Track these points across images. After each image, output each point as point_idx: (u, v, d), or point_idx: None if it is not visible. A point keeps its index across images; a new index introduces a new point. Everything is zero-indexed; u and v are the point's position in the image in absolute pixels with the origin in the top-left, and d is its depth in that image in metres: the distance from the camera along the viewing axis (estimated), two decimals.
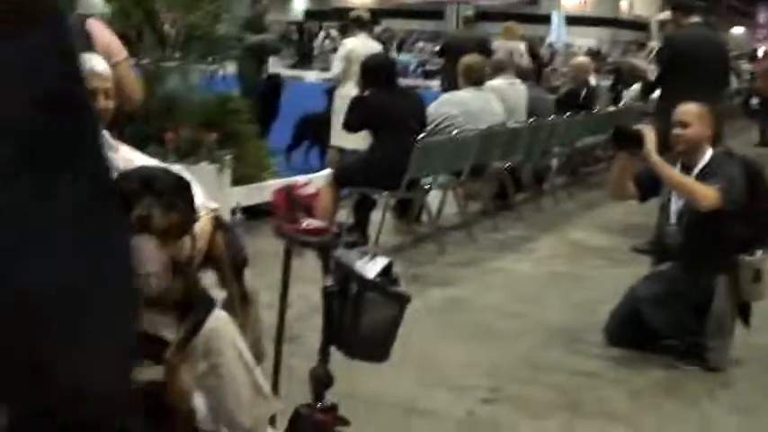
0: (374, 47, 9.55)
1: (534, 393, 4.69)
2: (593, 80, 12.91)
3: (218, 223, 3.53)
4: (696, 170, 5.10)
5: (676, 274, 5.17)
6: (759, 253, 5.15)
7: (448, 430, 4.23)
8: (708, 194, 4.88)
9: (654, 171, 5.09)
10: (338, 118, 9.43)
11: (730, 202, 4.93)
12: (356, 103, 7.33)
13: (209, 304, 3.17)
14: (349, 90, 9.44)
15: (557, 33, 31.85)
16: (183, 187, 3.19)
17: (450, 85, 11.01)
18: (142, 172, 3.18)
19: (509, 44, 12.69)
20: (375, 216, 7.69)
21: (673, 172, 5.03)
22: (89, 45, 4.24)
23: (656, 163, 5.02)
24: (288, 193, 4.00)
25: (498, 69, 10.05)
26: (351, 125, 7.37)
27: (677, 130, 5.19)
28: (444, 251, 7.56)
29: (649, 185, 5.37)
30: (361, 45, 9.65)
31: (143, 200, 2.99)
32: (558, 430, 4.28)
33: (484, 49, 11.06)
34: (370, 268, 3.42)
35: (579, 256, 7.78)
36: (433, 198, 8.24)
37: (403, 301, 3.38)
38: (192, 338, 3.09)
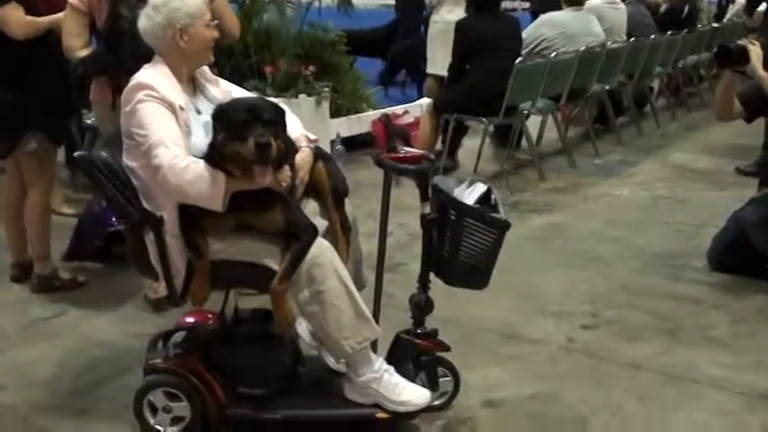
0: None
1: (633, 319, 4.68)
2: None
3: (318, 153, 3.58)
4: None
5: None
6: None
7: (547, 356, 4.26)
8: None
9: (761, 87, 4.95)
10: (434, 44, 9.40)
11: None
12: (456, 32, 7.27)
13: (312, 233, 3.24)
14: (443, 15, 9.37)
15: None
16: (283, 117, 3.26)
17: (538, 5, 10.84)
18: (247, 102, 3.25)
19: None
20: (473, 143, 7.68)
21: None
22: None
23: (762, 78, 4.89)
24: (386, 123, 4.06)
25: None
26: (455, 59, 7.31)
27: None
28: (544, 177, 7.53)
29: (756, 104, 5.23)
30: None
31: (256, 129, 3.06)
32: (657, 355, 4.26)
33: None
34: (469, 195, 3.45)
35: (681, 180, 7.66)
36: (533, 123, 8.18)
37: (502, 227, 3.40)
38: (296, 267, 3.17)
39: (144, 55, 3.49)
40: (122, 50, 4.10)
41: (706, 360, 4.21)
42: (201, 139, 3.27)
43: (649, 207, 6.85)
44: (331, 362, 3.49)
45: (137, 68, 3.41)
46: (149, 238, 3.27)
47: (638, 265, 5.51)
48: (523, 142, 8.10)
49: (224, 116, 3.14)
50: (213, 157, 3.12)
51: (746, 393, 3.91)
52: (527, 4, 15.59)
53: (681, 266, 5.46)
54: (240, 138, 3.06)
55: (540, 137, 8.62)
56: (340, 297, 3.22)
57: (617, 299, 4.95)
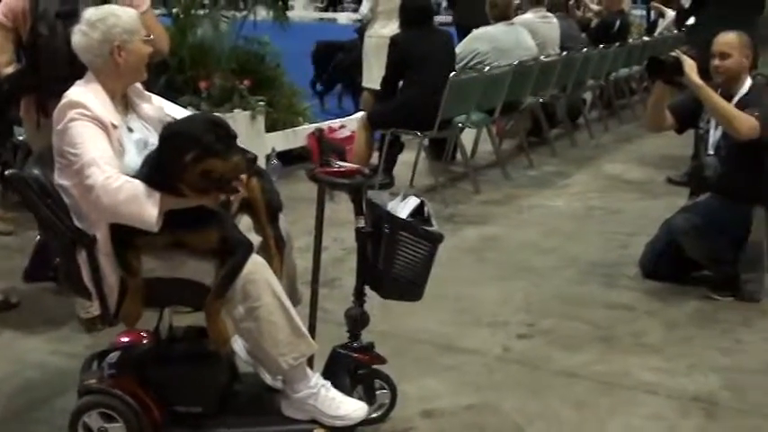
0: None
1: (569, 327, 4.74)
2: (627, 9, 12.79)
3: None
4: (735, 100, 5.06)
5: (714, 205, 5.15)
6: None
7: (483, 366, 4.29)
8: (748, 121, 4.85)
9: (696, 96, 5.03)
10: (369, 59, 9.46)
11: None
12: (389, 47, 7.33)
13: (246, 249, 3.23)
14: (377, 30, 9.45)
15: None
16: None
17: (461, 20, 10.93)
18: (209, 118, 3.28)
19: None
20: (409, 157, 7.71)
21: (716, 97, 4.96)
22: None
23: (699, 86, 4.95)
24: (320, 137, 4.08)
25: (531, 2, 9.97)
26: (388, 74, 7.36)
27: (717, 61, 5.13)
28: (479, 190, 7.58)
29: (687, 115, 5.34)
30: None
31: (234, 145, 3.10)
32: (592, 363, 4.32)
33: None
34: (402, 208, 3.47)
35: (614, 190, 7.78)
36: (467, 137, 8.24)
37: (435, 239, 3.43)
38: (231, 284, 3.16)
39: (65, 75, 3.45)
40: (42, 69, 4.05)
41: (640, 366, 4.28)
42: (134, 157, 3.25)
43: (583, 217, 6.94)
44: (267, 378, 3.49)
45: (57, 88, 3.37)
46: (82, 258, 3.24)
47: (573, 274, 5.59)
48: (458, 155, 8.16)
49: (187, 134, 3.10)
50: (160, 175, 3.09)
51: (680, 398, 3.98)
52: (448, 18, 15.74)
53: (614, 275, 5.54)
54: (219, 155, 3.06)
55: (474, 150, 8.69)
56: (275, 313, 3.22)
57: (552, 308, 5.01)
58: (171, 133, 3.15)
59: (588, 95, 11.11)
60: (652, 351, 4.47)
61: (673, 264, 5.32)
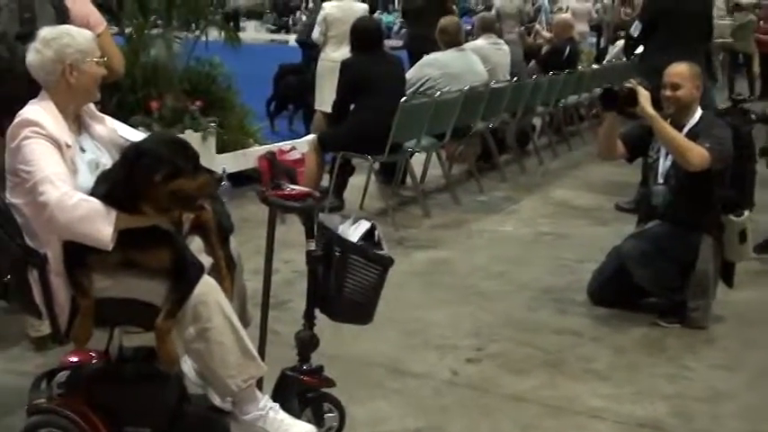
0: (357, 9, 9.53)
1: (517, 352, 4.77)
2: (576, 37, 12.95)
3: None
4: (685, 130, 5.12)
5: (662, 232, 5.22)
6: (745, 213, 5.22)
7: (432, 389, 4.30)
8: (700, 153, 4.91)
9: (648, 126, 5.11)
10: (321, 82, 9.48)
11: (719, 162, 4.98)
12: (341, 71, 7.36)
13: (198, 270, 3.24)
14: (329, 54, 9.49)
15: None
16: None
17: (412, 44, 11.03)
18: (174, 139, 3.33)
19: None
20: (359, 180, 7.73)
21: (669, 128, 5.02)
22: (68, 18, 4.26)
23: (653, 117, 5.02)
24: (270, 160, 4.08)
25: (482, 29, 10.08)
26: (339, 98, 7.39)
27: (668, 92, 5.20)
28: (429, 214, 7.61)
29: (638, 145, 5.41)
30: (338, 8, 9.65)
31: (200, 165, 3.14)
32: (540, 387, 4.35)
33: (445, 7, 10.98)
34: (353, 232, 3.49)
35: (563, 216, 7.85)
36: (417, 161, 8.28)
37: (386, 263, 3.45)
38: (181, 305, 3.16)
39: (24, 96, 3.44)
40: (2, 90, 4.02)
41: (587, 392, 4.32)
42: (86, 177, 3.26)
43: (532, 243, 6.99)
44: (217, 400, 3.47)
45: (16, 108, 3.35)
46: (33, 276, 3.22)
47: (522, 299, 5.62)
48: (408, 179, 8.20)
49: (156, 154, 3.11)
50: (123, 194, 3.09)
51: (626, 423, 4.02)
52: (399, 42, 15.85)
53: (563, 300, 5.58)
54: (188, 174, 3.08)
55: (424, 174, 8.72)
56: (225, 335, 3.21)
57: (501, 333, 5.04)
58: (139, 153, 3.14)
59: (538, 121, 11.22)
60: (599, 377, 4.51)
61: (621, 290, 5.37)
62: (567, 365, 4.64)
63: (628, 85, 5.12)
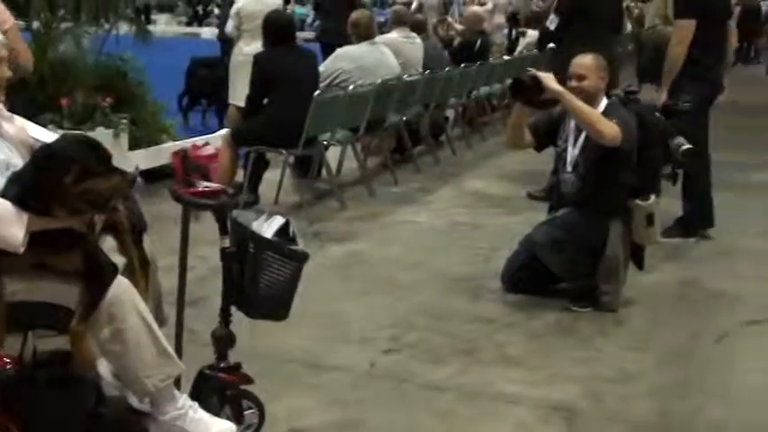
0: (269, 3, 9.49)
1: (433, 341, 4.83)
2: (487, 29, 13.09)
3: None
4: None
5: (572, 219, 5.33)
6: (652, 198, 5.35)
7: (350, 382, 4.34)
8: (611, 125, 5.03)
9: (558, 115, 5.21)
10: (235, 76, 9.45)
11: (627, 140, 5.10)
12: (253, 65, 7.35)
13: (111, 271, 3.22)
14: (242, 48, 9.47)
15: None
16: None
17: (324, 36, 11.05)
18: (86, 139, 3.24)
19: None
20: (274, 174, 7.73)
21: (578, 101, 5.11)
22: None
23: (560, 93, 5.11)
24: (182, 157, 4.08)
25: (395, 23, 10.14)
26: (252, 92, 7.38)
27: (574, 83, 5.30)
28: (344, 206, 7.65)
29: (545, 133, 5.52)
30: (252, 2, 9.64)
31: (111, 164, 3.09)
32: (456, 375, 4.42)
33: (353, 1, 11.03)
34: (267, 228, 3.50)
35: (477, 206, 7.95)
36: (332, 154, 8.31)
37: (300, 259, 3.46)
38: (96, 306, 3.14)
39: None
40: None
41: (502, 377, 4.41)
42: None
43: (446, 232, 7.08)
44: (134, 401, 3.45)
45: None
46: None
47: (438, 288, 5.70)
48: (324, 172, 8.22)
49: (66, 155, 3.07)
50: (33, 196, 3.04)
51: (541, 407, 4.11)
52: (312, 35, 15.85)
53: (477, 288, 5.67)
54: (100, 175, 3.04)
55: (339, 167, 8.76)
56: (141, 335, 3.20)
57: (417, 322, 5.10)
58: (48, 154, 3.11)
59: (451, 113, 11.31)
60: (514, 362, 4.60)
61: (533, 277, 5.48)
62: (483, 352, 4.72)
63: (530, 73, 5.21)
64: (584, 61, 5.37)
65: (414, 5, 12.25)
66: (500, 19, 16.09)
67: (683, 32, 6.59)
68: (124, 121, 7.42)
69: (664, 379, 4.46)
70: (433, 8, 12.78)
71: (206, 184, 3.58)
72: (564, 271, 5.39)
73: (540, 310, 5.30)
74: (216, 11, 25.65)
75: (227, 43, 11.13)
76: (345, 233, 6.92)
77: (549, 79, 5.11)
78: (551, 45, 8.73)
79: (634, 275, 5.53)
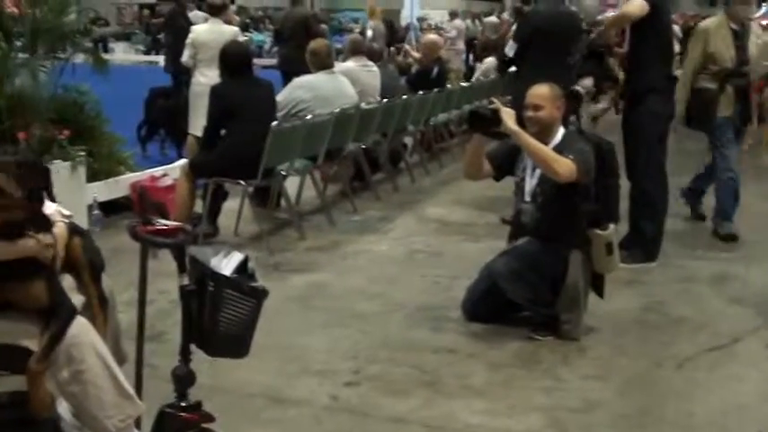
0: (225, 32, 9.52)
1: (395, 373, 4.83)
2: (444, 56, 13.17)
3: (73, 229, 3.54)
4: (549, 149, 5.27)
5: (532, 248, 5.35)
6: (610, 227, 5.40)
7: (312, 416, 4.32)
8: (566, 162, 5.07)
9: (515, 143, 5.24)
10: (193, 106, 9.43)
11: (584, 173, 5.13)
12: (210, 96, 7.34)
13: (70, 311, 3.19)
14: (198, 78, 9.47)
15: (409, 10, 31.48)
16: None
17: (283, 64, 11.06)
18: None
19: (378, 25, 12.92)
20: (233, 204, 7.71)
21: (533, 141, 5.15)
22: None
23: (516, 133, 5.14)
24: (141, 194, 4.06)
25: (351, 52, 10.18)
26: (209, 123, 7.36)
27: (530, 113, 5.35)
28: (304, 236, 7.63)
29: (503, 163, 5.54)
30: (207, 31, 9.66)
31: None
32: (418, 408, 4.41)
33: (308, 30, 11.05)
34: (226, 265, 3.47)
35: (437, 233, 7.97)
36: (292, 183, 8.30)
37: (260, 296, 3.44)
38: (55, 347, 3.11)
39: None
40: None
41: (464, 408, 4.41)
42: None
43: (407, 261, 7.08)
44: None
45: None
46: None
47: (399, 319, 5.69)
48: (283, 202, 8.21)
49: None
50: None
51: None
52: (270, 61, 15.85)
53: (438, 318, 5.67)
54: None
55: (299, 196, 8.74)
56: (100, 375, 3.18)
57: (379, 354, 5.09)
58: None
59: (409, 140, 11.35)
60: (476, 393, 4.61)
61: (494, 306, 5.49)
62: (445, 383, 4.72)
63: (491, 106, 5.24)
64: (541, 91, 5.41)
65: (369, 34, 12.31)
66: (461, 45, 16.23)
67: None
68: (82, 153, 7.37)
69: (626, 408, 4.48)
70: (383, 36, 12.86)
71: (164, 222, 3.55)
72: (524, 300, 5.41)
73: (501, 340, 5.31)
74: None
75: (181, 73, 11.07)
76: (306, 264, 6.90)
77: (507, 116, 5.14)
78: (510, 70, 8.80)
79: (596, 303, 5.55)
